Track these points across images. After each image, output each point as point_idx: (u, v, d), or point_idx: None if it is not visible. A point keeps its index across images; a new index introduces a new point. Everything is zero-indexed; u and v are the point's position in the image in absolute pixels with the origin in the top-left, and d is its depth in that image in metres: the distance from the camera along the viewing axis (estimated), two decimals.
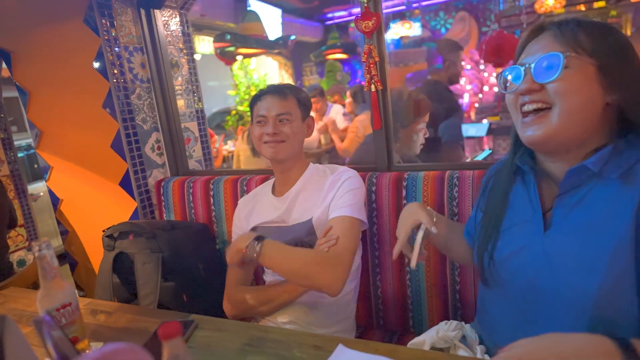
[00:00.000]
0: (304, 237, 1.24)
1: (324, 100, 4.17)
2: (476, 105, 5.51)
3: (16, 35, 1.87)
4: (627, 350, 0.57)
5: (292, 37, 4.56)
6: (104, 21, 1.68)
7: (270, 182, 1.42)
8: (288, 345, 0.85)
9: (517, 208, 0.86)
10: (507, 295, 0.84)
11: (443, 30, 6.30)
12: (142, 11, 1.81)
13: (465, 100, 5.54)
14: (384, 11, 5.80)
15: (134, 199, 1.79)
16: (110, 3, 1.70)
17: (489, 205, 0.92)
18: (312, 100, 4.07)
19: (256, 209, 1.37)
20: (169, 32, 1.92)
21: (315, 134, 3.52)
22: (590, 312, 0.70)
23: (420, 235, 0.94)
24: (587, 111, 0.72)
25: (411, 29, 4.79)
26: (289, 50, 5.44)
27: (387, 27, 5.72)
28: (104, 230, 1.49)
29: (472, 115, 5.44)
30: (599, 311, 0.70)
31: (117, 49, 1.73)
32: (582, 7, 5.09)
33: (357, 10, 5.95)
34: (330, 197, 1.23)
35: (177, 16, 1.97)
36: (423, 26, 6.07)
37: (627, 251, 0.68)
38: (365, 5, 1.38)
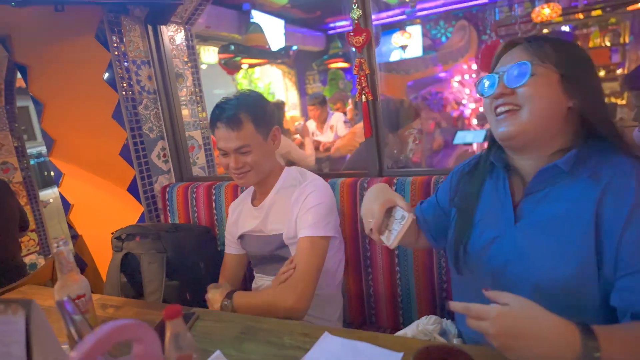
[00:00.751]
0: (278, 250, 1.30)
1: (325, 108, 4.28)
2: (480, 109, 5.59)
3: (32, 51, 2.00)
4: (587, 336, 0.64)
5: (294, 47, 4.69)
6: (114, 37, 1.79)
7: (252, 188, 1.45)
8: (279, 333, 0.94)
9: (488, 202, 0.94)
10: (480, 283, 0.91)
11: (443, 38, 6.40)
12: (150, 27, 1.92)
13: (467, 108, 5.62)
14: (385, 20, 5.86)
15: (141, 203, 1.89)
16: (120, 20, 1.81)
17: (463, 201, 1.00)
18: (312, 107, 4.19)
19: (241, 216, 1.42)
20: (175, 46, 2.04)
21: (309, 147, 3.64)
22: (558, 299, 0.77)
23: (406, 220, 0.91)
24: (551, 112, 0.82)
25: (411, 39, 4.89)
26: (291, 59, 5.56)
27: (379, 38, 5.84)
28: (112, 233, 1.59)
29: (473, 122, 5.52)
30: (566, 297, 0.77)
31: (125, 62, 1.85)
32: (581, 16, 5.19)
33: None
34: (295, 214, 1.25)
35: (182, 31, 2.09)
36: (423, 35, 6.18)
37: (589, 242, 0.76)
38: (356, 21, 1.48)
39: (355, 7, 1.47)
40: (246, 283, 1.60)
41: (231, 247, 1.47)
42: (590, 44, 5.32)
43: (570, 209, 0.80)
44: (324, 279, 1.29)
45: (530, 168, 0.86)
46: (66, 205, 2.15)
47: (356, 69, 1.51)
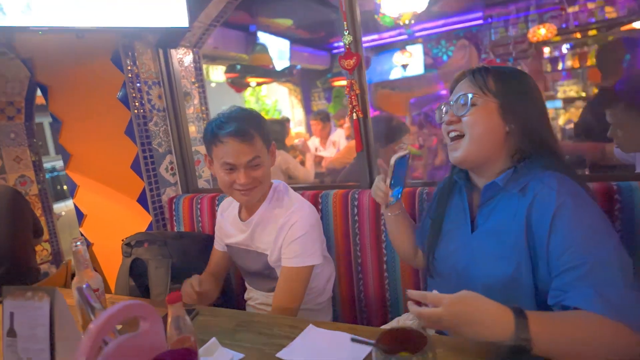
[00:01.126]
0: (266, 270, 1.35)
1: (328, 124, 4.44)
2: None
3: (53, 72, 2.17)
4: (519, 317, 0.75)
5: (298, 67, 4.88)
6: (128, 60, 1.96)
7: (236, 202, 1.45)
8: (270, 325, 1.05)
9: (454, 215, 1.08)
10: (447, 283, 1.03)
11: (445, 57, 6.57)
12: (160, 51, 2.09)
13: None
14: (387, 40, 6.03)
15: (149, 213, 2.03)
16: (134, 45, 1.98)
17: (435, 215, 1.13)
18: (315, 122, 4.34)
19: (227, 224, 1.46)
20: (183, 68, 2.20)
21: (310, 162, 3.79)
22: (500, 293, 0.87)
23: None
24: (490, 137, 0.95)
25: (411, 57, 5.05)
26: (297, 77, 5.75)
27: (381, 57, 6.00)
28: (123, 240, 1.72)
29: None
30: (506, 292, 0.89)
31: (138, 83, 2.00)
32: (578, 35, 5.32)
33: (362, 39, 6.20)
34: (280, 242, 1.27)
35: (191, 54, 2.25)
36: (425, 54, 6.35)
37: (522, 247, 0.88)
38: (347, 47, 1.62)
39: (346, 34, 1.62)
40: (239, 294, 1.71)
41: (218, 243, 1.56)
42: (589, 63, 5.43)
43: (507, 219, 0.92)
44: (314, 297, 1.38)
45: (483, 185, 0.99)
46: (80, 216, 2.29)
47: (347, 89, 1.64)
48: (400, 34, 5.94)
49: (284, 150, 3.51)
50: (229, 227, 1.45)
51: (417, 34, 6.13)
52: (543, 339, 0.73)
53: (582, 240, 0.81)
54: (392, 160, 1.03)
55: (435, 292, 0.80)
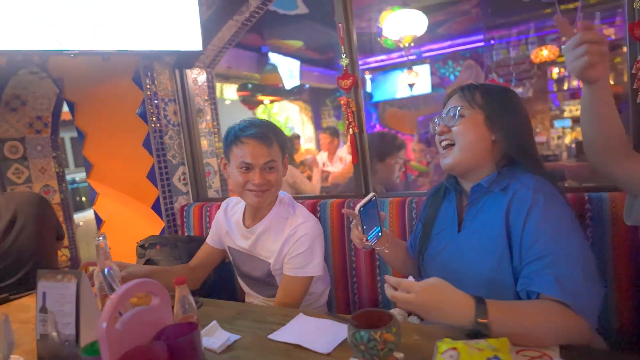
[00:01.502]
0: (268, 278, 1.41)
1: (337, 139, 4.61)
2: None
3: (80, 90, 2.38)
4: (479, 304, 0.85)
5: (306, 86, 5.09)
6: (147, 79, 2.15)
7: (241, 205, 1.49)
8: (264, 315, 1.18)
9: (443, 218, 1.19)
10: None
11: (452, 77, 6.72)
12: (177, 71, 2.28)
13: None
14: (395, 60, 6.18)
15: (162, 219, 2.19)
16: (153, 66, 2.18)
17: (426, 219, 1.24)
18: (324, 136, 4.50)
19: (231, 227, 1.49)
20: (197, 86, 2.39)
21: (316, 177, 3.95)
22: (485, 287, 0.97)
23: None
24: (477, 145, 1.07)
25: (418, 77, 5.22)
26: (307, 96, 5.97)
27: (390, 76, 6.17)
28: (138, 242, 1.88)
29: None
30: (489, 286, 0.98)
31: (156, 100, 2.19)
32: None
33: (371, 59, 6.42)
34: (285, 252, 1.33)
35: (204, 73, 2.45)
36: (432, 73, 6.52)
37: (502, 242, 0.98)
38: (344, 68, 1.78)
39: (344, 57, 1.78)
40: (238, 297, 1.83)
41: (211, 238, 1.59)
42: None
43: (490, 217, 1.03)
44: (312, 302, 1.47)
45: (470, 188, 1.10)
46: (99, 221, 2.47)
47: (344, 106, 1.80)
48: (408, 54, 6.14)
49: (292, 165, 3.68)
50: (233, 231, 1.49)
51: (425, 55, 6.32)
52: (499, 324, 0.84)
53: (550, 234, 0.91)
54: (356, 210, 1.01)
55: (410, 278, 0.91)
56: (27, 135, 2.94)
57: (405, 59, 5.36)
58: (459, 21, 4.90)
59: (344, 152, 4.50)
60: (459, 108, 1.07)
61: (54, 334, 0.96)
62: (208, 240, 1.62)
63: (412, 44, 3.24)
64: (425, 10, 3.51)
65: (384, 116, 7.02)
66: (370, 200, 1.04)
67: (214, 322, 1.08)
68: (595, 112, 0.91)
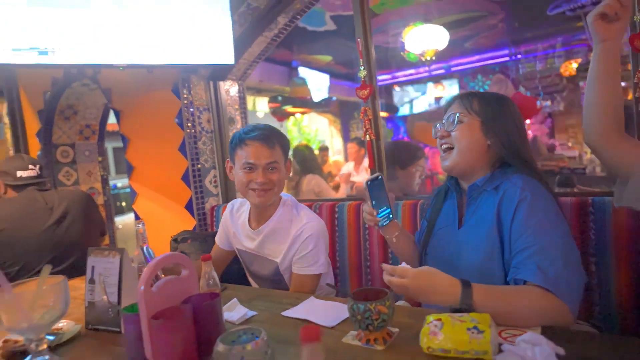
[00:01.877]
0: (276, 276, 1.48)
1: (364, 149, 4.72)
2: None
3: (125, 100, 2.64)
4: (465, 287, 0.95)
5: (334, 98, 5.27)
6: (184, 90, 2.37)
7: (246, 207, 1.56)
8: (280, 297, 1.31)
9: (445, 216, 1.29)
10: None
11: (481, 90, 6.73)
12: (211, 83, 2.50)
13: None
14: (422, 75, 6.22)
15: (194, 218, 2.38)
16: (190, 78, 2.39)
17: (430, 216, 1.34)
18: (352, 145, 4.62)
19: (238, 229, 1.55)
20: (229, 97, 2.59)
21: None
22: (477, 277, 1.03)
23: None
24: (473, 149, 1.16)
25: (445, 90, 5.29)
26: (335, 108, 6.15)
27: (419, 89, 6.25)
28: (172, 236, 2.06)
29: None
30: (482, 278, 1.04)
31: (191, 109, 2.41)
32: None
33: (400, 73, 6.48)
34: (292, 252, 1.40)
35: (236, 85, 2.65)
36: (461, 87, 6.55)
37: (494, 236, 1.07)
38: (362, 79, 1.92)
39: (362, 69, 1.92)
40: None
41: (219, 240, 1.65)
42: (629, 97, 5.39)
43: (483, 213, 1.13)
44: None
45: (468, 188, 1.20)
46: (137, 219, 2.69)
47: (362, 114, 1.93)
48: (430, 68, 6.22)
49: (320, 175, 3.83)
50: (239, 233, 1.55)
51: (454, 69, 6.38)
52: (483, 304, 0.93)
53: (535, 226, 1.00)
54: (364, 184, 1.15)
55: (404, 264, 1.02)
56: (77, 142, 3.24)
57: (427, 73, 5.45)
58: (487, 36, 4.96)
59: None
60: (457, 114, 1.17)
61: (104, 297, 1.13)
62: (217, 240, 1.67)
63: (434, 58, 3.35)
64: (450, 25, 3.62)
65: (412, 129, 7.09)
66: (377, 177, 1.17)
67: (235, 299, 1.22)
68: (597, 73, 1.01)
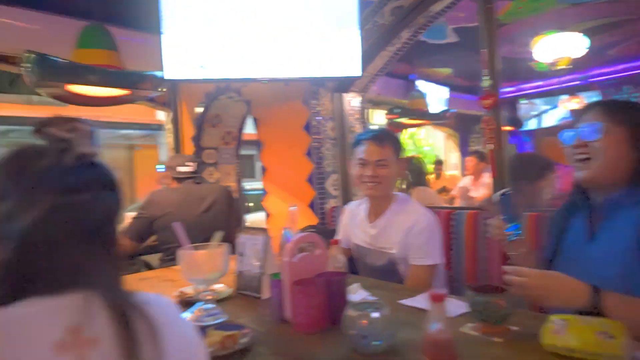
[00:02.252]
0: (390, 266, 1.57)
1: (483, 163, 4.47)
2: None
3: (262, 109, 3.02)
4: (595, 292, 0.94)
5: (452, 110, 5.16)
6: (313, 101, 2.64)
7: (364, 206, 1.69)
8: (399, 290, 1.40)
9: (574, 231, 1.23)
10: None
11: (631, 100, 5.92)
12: (335, 95, 2.72)
13: None
14: (555, 87, 5.78)
15: (316, 216, 2.61)
16: (318, 90, 2.65)
17: (555, 229, 1.27)
18: (470, 158, 4.46)
19: (355, 226, 1.69)
20: (351, 108, 2.79)
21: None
22: (612, 285, 0.99)
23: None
24: (618, 162, 1.08)
25: (580, 103, 4.80)
26: (453, 122, 6.00)
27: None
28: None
29: None
30: (613, 285, 0.99)
31: (318, 118, 2.66)
32: None
33: (526, 85, 6.14)
34: (410, 242, 1.49)
35: (358, 97, 2.84)
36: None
37: (632, 254, 1.01)
38: (486, 89, 1.93)
39: (486, 78, 1.93)
40: None
41: (340, 235, 1.79)
42: None
43: (620, 228, 1.07)
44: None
45: (601, 201, 1.13)
46: (266, 215, 3.04)
47: (485, 124, 1.93)
48: (572, 80, 5.68)
49: (431, 189, 3.82)
50: (356, 229, 1.69)
51: (592, 80, 5.74)
52: (615, 312, 0.90)
53: None
54: (495, 197, 1.17)
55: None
56: (220, 146, 3.76)
57: (559, 85, 5.00)
58: (637, 42, 4.39)
59: (486, 176, 4.38)
60: (602, 124, 1.08)
61: (254, 263, 1.35)
62: (339, 236, 1.80)
63: (571, 66, 3.10)
64: (590, 32, 3.33)
65: (540, 144, 6.54)
66: (504, 193, 1.18)
67: (357, 284, 1.35)
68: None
